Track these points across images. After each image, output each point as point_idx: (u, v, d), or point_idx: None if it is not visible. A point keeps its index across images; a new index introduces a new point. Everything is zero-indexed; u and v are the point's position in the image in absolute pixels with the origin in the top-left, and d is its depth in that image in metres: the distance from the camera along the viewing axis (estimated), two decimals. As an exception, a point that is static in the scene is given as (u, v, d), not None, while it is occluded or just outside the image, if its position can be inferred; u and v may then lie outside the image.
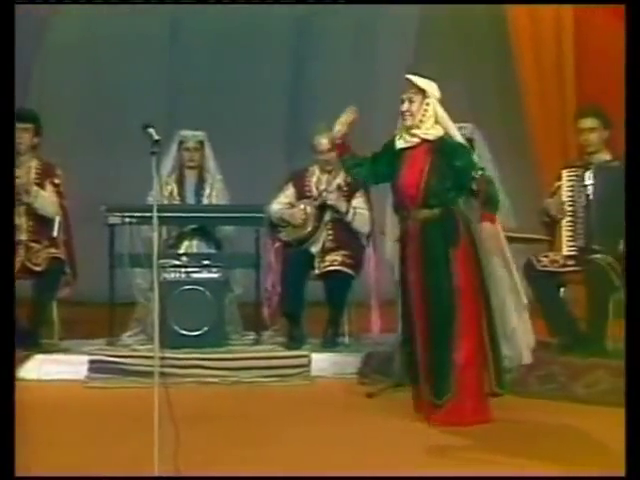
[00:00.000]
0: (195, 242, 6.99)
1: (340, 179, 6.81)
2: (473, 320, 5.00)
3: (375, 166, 5.21)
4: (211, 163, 7.12)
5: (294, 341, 6.61)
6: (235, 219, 6.87)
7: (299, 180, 6.94)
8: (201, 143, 7.07)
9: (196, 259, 6.74)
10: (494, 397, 5.08)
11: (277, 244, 6.86)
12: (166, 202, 6.89)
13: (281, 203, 6.88)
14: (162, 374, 4.12)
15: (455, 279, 4.98)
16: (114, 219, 6.60)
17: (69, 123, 8.60)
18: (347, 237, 6.80)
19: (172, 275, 6.59)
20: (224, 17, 8.44)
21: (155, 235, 4.24)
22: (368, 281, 6.78)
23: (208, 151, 7.11)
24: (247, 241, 6.74)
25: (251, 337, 6.77)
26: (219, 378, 6.20)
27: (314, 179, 6.91)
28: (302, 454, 4.56)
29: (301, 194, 6.88)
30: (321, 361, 6.39)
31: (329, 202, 6.74)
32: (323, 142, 6.72)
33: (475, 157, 5.18)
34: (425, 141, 5.06)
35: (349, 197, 6.76)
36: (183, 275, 6.63)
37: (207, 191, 7.09)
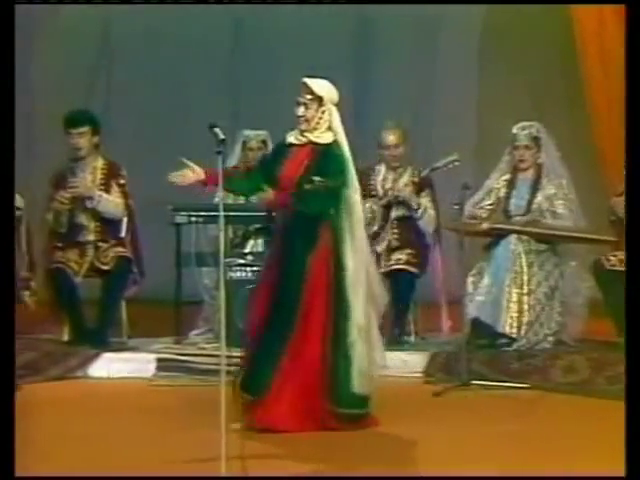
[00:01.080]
0: (260, 241, 7.01)
1: (407, 176, 6.79)
2: (319, 327, 4.91)
3: (266, 171, 5.18)
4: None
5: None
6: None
7: (364, 179, 6.92)
8: (264, 142, 7.09)
9: (261, 258, 6.75)
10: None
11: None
12: (231, 201, 6.93)
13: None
14: (228, 372, 4.15)
15: (309, 283, 4.89)
16: (181, 218, 6.65)
17: (135, 123, 8.67)
18: (412, 236, 6.78)
19: (238, 274, 6.62)
20: (287, 17, 8.46)
21: (221, 234, 4.27)
22: (435, 280, 6.75)
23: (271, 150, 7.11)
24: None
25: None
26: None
27: (380, 177, 6.90)
28: (366, 455, 4.55)
29: (367, 193, 6.87)
30: (388, 360, 6.33)
31: (402, 197, 6.70)
32: (390, 138, 6.73)
33: (349, 170, 5.04)
34: (312, 142, 5.03)
35: (417, 194, 6.74)
36: (249, 274, 6.65)
37: (271, 190, 7.09)
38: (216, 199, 6.40)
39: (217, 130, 4.29)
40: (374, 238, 6.75)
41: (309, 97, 4.98)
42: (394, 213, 6.79)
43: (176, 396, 5.79)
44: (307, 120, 4.98)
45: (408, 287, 6.65)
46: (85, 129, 6.67)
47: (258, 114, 8.10)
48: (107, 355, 6.40)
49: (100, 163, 6.81)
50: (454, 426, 5.03)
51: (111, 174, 6.80)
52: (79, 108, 7.08)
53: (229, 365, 4.25)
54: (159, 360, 6.30)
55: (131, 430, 5.02)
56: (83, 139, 6.66)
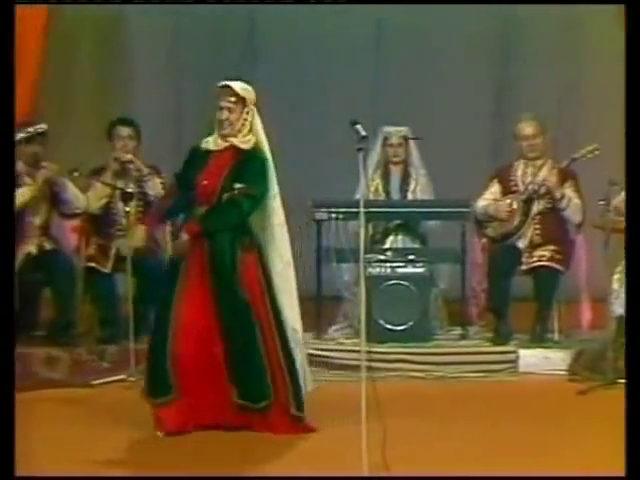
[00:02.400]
0: (400, 237, 7.00)
1: (547, 169, 6.67)
2: (267, 331, 4.88)
3: (186, 182, 5.02)
4: (415, 158, 7.11)
5: (501, 337, 6.52)
6: (440, 214, 6.84)
7: (504, 176, 6.84)
8: (404, 138, 7.07)
9: (401, 254, 6.75)
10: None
11: (483, 240, 6.79)
12: (372, 197, 6.94)
13: (486, 200, 6.79)
14: (368, 368, 4.15)
15: (245, 286, 4.84)
16: (321, 215, 6.69)
17: (277, 121, 8.76)
18: (556, 231, 6.65)
19: (377, 270, 6.62)
20: (428, 16, 8.42)
21: (362, 230, 4.27)
22: (579, 276, 6.61)
23: (412, 146, 7.10)
24: (452, 236, 6.70)
25: (457, 332, 6.72)
26: (424, 373, 6.20)
27: (519, 173, 6.79)
28: (503, 454, 4.49)
29: (506, 190, 6.78)
30: (530, 357, 6.29)
31: (545, 188, 6.57)
32: (528, 128, 6.64)
33: (270, 175, 4.94)
34: (234, 146, 4.93)
35: (560, 185, 6.60)
36: (388, 270, 6.65)
37: (412, 186, 7.08)
38: (357, 195, 6.43)
39: (359, 127, 4.29)
40: (513, 234, 6.66)
41: (233, 100, 4.89)
42: (535, 207, 6.67)
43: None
44: (231, 124, 4.90)
45: (552, 284, 6.53)
46: None
47: (398, 111, 8.09)
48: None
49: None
50: (600, 425, 4.91)
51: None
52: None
53: (369, 360, 4.23)
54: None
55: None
56: None
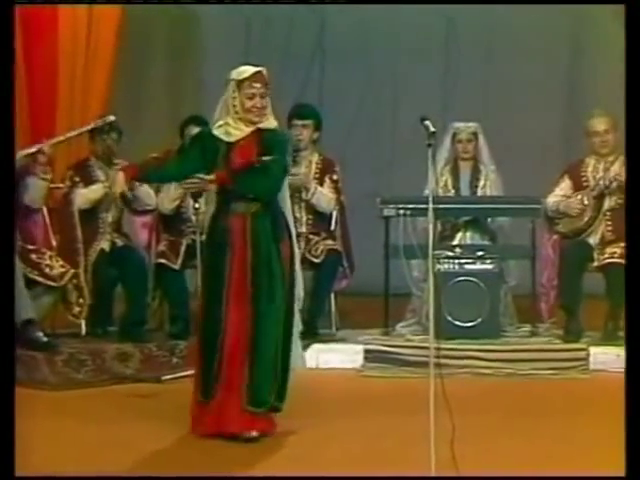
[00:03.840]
0: (469, 233, 6.96)
1: (618, 165, 6.58)
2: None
3: (184, 163, 4.93)
4: (485, 154, 7.06)
5: (571, 334, 6.47)
6: (510, 210, 6.79)
7: (574, 172, 6.77)
8: (475, 134, 7.03)
9: (470, 250, 6.72)
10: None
11: (554, 236, 6.73)
12: (441, 194, 6.91)
13: (557, 196, 6.74)
14: (437, 364, 4.14)
15: (286, 277, 4.76)
16: (389, 211, 6.69)
17: (347, 118, 8.78)
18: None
19: (446, 266, 6.60)
20: (499, 15, 8.38)
21: (430, 227, 4.26)
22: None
23: (482, 142, 7.06)
24: (522, 232, 6.66)
25: (527, 329, 6.67)
26: (494, 370, 6.16)
27: (590, 169, 6.72)
28: (570, 452, 4.45)
29: (577, 186, 6.71)
30: (601, 355, 6.22)
31: (616, 184, 6.50)
32: (599, 124, 6.58)
33: (289, 151, 4.90)
34: (257, 129, 4.78)
35: None
36: (457, 266, 6.62)
37: (481, 182, 7.04)
38: (426, 191, 6.42)
39: (428, 123, 4.27)
40: (585, 231, 6.59)
41: (262, 85, 4.76)
42: (607, 203, 6.59)
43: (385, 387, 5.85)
44: (263, 109, 4.76)
45: (623, 281, 6.43)
46: (309, 122, 6.82)
47: (468, 107, 8.06)
48: (316, 346, 6.50)
49: (316, 158, 6.94)
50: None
51: (325, 170, 6.91)
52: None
53: (437, 357, 4.22)
54: (367, 351, 6.35)
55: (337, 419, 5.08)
56: (305, 131, 6.81)
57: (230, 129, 4.77)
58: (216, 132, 4.79)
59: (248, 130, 4.77)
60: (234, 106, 4.75)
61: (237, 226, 4.75)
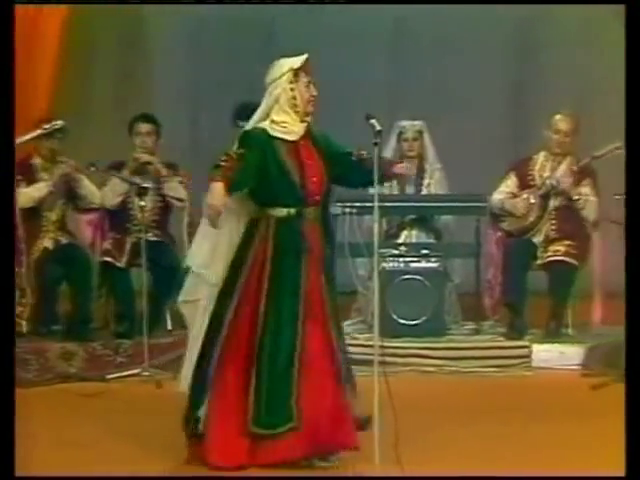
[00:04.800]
0: (414, 232, 6.99)
1: (566, 165, 6.65)
2: None
3: (254, 170, 4.32)
4: (430, 153, 7.10)
5: (515, 331, 6.52)
6: (455, 209, 6.84)
7: (521, 169, 6.82)
8: (420, 133, 7.07)
9: (415, 249, 6.75)
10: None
11: (499, 234, 6.78)
12: (386, 192, 6.93)
13: (503, 193, 6.79)
14: (381, 363, 4.16)
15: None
16: (335, 209, 6.68)
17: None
18: (572, 226, 6.63)
19: (391, 265, 6.63)
20: (447, 14, 8.44)
21: (375, 225, 4.28)
22: (594, 271, 6.61)
23: (427, 141, 7.10)
24: (467, 231, 6.70)
25: (471, 327, 6.72)
26: (437, 367, 6.21)
27: (537, 167, 6.78)
28: (514, 449, 4.49)
29: (523, 183, 6.76)
30: (544, 352, 6.29)
31: (562, 186, 6.57)
32: (564, 124, 6.61)
33: None
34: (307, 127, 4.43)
35: (577, 183, 6.59)
36: (402, 265, 6.65)
37: (427, 181, 7.08)
38: (371, 190, 6.44)
39: (373, 121, 4.29)
40: (530, 229, 6.66)
41: (310, 73, 4.41)
42: (552, 203, 6.65)
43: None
44: (315, 100, 4.40)
45: (566, 279, 6.52)
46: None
47: (412, 105, 8.10)
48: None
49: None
50: (610, 420, 4.91)
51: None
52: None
53: (382, 355, 4.24)
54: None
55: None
56: None
57: (290, 127, 4.36)
58: (275, 132, 4.33)
59: (304, 127, 4.39)
60: (293, 98, 4.34)
61: (312, 232, 4.37)
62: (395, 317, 6.49)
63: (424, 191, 7.05)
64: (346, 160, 4.43)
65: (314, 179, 4.34)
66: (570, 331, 6.62)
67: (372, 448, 3.98)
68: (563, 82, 8.42)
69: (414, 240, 6.91)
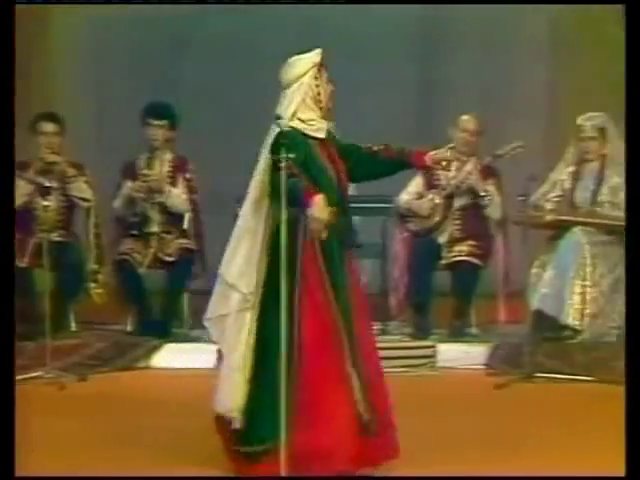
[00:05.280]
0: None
1: (471, 165, 6.73)
2: None
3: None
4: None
5: (420, 331, 6.58)
6: (362, 209, 6.83)
7: (428, 170, 6.88)
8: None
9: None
10: None
11: (405, 234, 6.84)
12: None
13: (409, 193, 6.85)
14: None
15: None
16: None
17: (200, 116, 8.74)
18: (476, 227, 6.72)
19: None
20: (352, 15, 8.50)
21: (283, 226, 4.25)
22: (497, 271, 6.70)
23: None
24: (373, 231, 6.74)
25: (377, 327, 6.73)
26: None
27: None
28: (417, 446, 4.52)
29: (429, 183, 6.83)
30: (449, 352, 6.35)
31: (467, 185, 6.63)
32: (470, 124, 6.70)
33: None
34: None
35: (482, 182, 6.67)
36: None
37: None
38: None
39: (281, 122, 4.26)
40: (435, 229, 6.73)
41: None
42: (457, 203, 6.73)
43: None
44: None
45: (471, 278, 6.60)
46: (164, 122, 6.75)
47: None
48: (169, 346, 6.45)
49: (169, 157, 6.88)
50: (516, 419, 4.98)
51: (178, 168, 6.87)
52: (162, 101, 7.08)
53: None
54: (220, 351, 6.31)
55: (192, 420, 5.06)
56: (161, 131, 6.74)
57: (317, 124, 4.18)
58: (306, 130, 4.16)
59: (326, 123, 4.23)
60: (318, 94, 4.18)
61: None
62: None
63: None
64: (358, 154, 4.33)
65: (342, 175, 4.27)
66: (474, 330, 6.70)
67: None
68: (469, 82, 8.53)
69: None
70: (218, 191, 7.40)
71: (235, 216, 6.53)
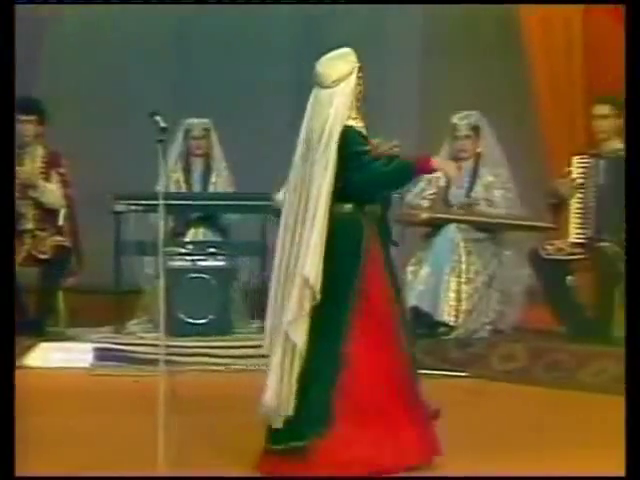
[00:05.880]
0: (201, 230, 6.99)
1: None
2: None
3: None
4: (217, 151, 7.12)
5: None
6: (242, 207, 6.87)
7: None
8: (207, 131, 7.07)
9: (202, 247, 6.74)
10: None
11: (283, 232, 6.84)
12: (173, 190, 6.89)
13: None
14: (168, 362, 4.12)
15: None
16: (120, 207, 6.61)
17: (77, 112, 8.60)
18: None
19: (178, 263, 6.59)
20: (238, 15, 8.49)
21: (161, 223, 4.23)
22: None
23: (214, 139, 7.10)
24: (254, 229, 6.74)
25: (257, 325, 6.75)
26: (224, 366, 6.22)
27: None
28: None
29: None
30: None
31: None
32: None
33: None
34: None
35: None
36: (189, 263, 6.63)
37: (213, 179, 7.09)
38: (157, 187, 6.37)
39: (158, 118, 4.23)
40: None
41: None
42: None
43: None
44: None
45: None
46: (32, 117, 6.62)
47: (200, 102, 8.09)
48: (44, 344, 6.34)
49: (41, 152, 6.75)
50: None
51: (51, 163, 6.76)
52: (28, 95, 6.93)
53: (169, 355, 4.20)
54: (97, 349, 6.26)
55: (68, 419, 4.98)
56: (29, 126, 6.62)
57: (361, 123, 4.22)
58: (361, 129, 4.20)
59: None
60: (359, 93, 4.20)
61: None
62: (182, 316, 6.45)
63: (211, 189, 7.05)
64: None
65: None
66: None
67: (155, 448, 3.93)
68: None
69: (201, 238, 6.91)
70: (95, 187, 7.30)
71: (112, 213, 6.57)
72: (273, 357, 4.09)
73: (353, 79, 4.19)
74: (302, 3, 8.25)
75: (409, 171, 4.29)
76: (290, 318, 4.01)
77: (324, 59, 4.25)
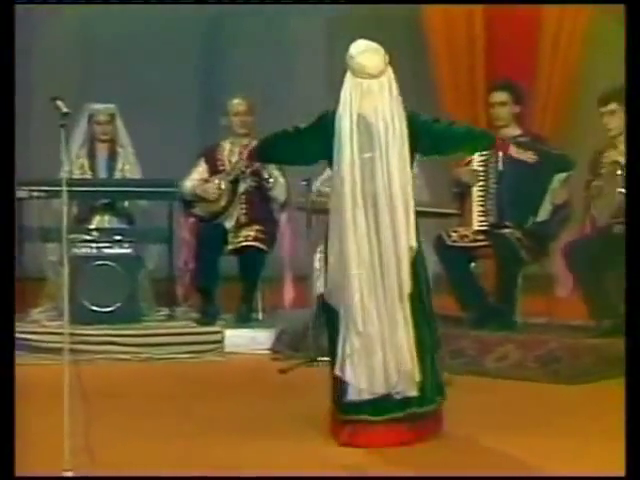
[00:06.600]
0: (107, 217, 6.91)
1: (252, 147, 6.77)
2: None
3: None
4: (123, 136, 7.04)
5: (207, 317, 6.59)
6: (147, 193, 6.81)
7: (211, 155, 6.90)
8: (112, 116, 6.98)
9: (107, 234, 6.66)
10: None
11: (191, 219, 6.83)
12: (77, 176, 6.79)
13: (193, 180, 6.84)
14: (72, 351, 4.06)
15: None
16: (22, 193, 6.48)
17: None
18: (261, 212, 6.79)
19: (83, 250, 6.51)
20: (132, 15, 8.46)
21: (64, 210, 4.17)
22: (282, 255, 6.80)
23: (120, 124, 7.02)
24: (160, 216, 6.69)
25: (164, 313, 6.72)
26: (131, 355, 6.16)
27: (226, 152, 6.88)
28: (209, 429, 4.55)
29: (213, 169, 6.85)
30: (236, 337, 6.38)
31: (252, 168, 6.66)
32: (240, 106, 6.75)
33: None
34: None
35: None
36: (94, 250, 6.55)
37: (119, 165, 7.01)
38: (61, 174, 6.27)
39: (59, 103, 4.16)
40: (221, 214, 6.75)
41: None
42: (242, 187, 6.77)
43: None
44: None
45: (256, 264, 6.66)
46: None
47: (105, 86, 8.00)
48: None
49: None
50: (298, 403, 5.06)
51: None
52: None
53: (73, 343, 4.14)
54: None
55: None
56: None
57: None
58: None
59: None
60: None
61: None
62: (87, 304, 6.37)
63: (117, 175, 6.97)
64: None
65: None
66: (260, 315, 6.77)
67: (60, 438, 3.88)
68: (249, 77, 8.63)
69: (106, 225, 6.83)
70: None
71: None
72: (398, 329, 4.20)
73: (389, 69, 4.28)
74: (302, 3, 8.24)
75: (490, 138, 4.61)
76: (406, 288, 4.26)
77: (361, 52, 4.26)
